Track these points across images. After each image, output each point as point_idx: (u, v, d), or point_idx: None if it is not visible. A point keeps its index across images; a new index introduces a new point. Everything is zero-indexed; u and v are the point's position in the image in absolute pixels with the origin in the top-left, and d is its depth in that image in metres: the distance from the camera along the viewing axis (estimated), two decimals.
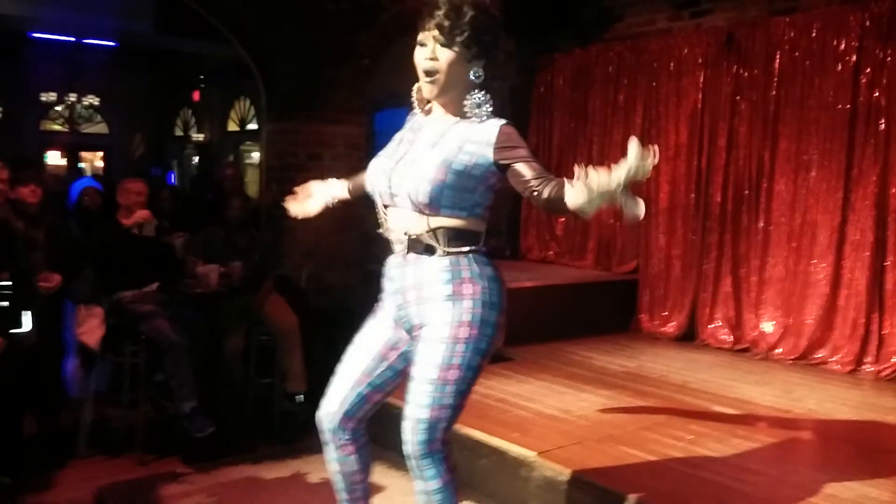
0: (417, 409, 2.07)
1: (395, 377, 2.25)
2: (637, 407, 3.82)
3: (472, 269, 2.10)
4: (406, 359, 2.20)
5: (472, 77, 2.08)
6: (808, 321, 4.83)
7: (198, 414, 3.91)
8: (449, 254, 2.08)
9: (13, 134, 13.90)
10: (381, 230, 2.22)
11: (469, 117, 2.10)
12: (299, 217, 2.55)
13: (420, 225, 2.09)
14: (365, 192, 2.30)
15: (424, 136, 2.15)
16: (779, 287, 5.02)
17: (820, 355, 4.78)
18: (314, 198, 2.51)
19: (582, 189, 1.76)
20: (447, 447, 2.13)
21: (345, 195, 2.49)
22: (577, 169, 1.77)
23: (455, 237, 2.09)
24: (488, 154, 2.04)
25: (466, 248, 2.09)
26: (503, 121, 2.10)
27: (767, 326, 5.07)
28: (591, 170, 1.75)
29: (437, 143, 2.09)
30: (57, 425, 3.99)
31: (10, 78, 13.58)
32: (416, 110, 2.25)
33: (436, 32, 2.04)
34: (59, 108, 15.24)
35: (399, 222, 2.13)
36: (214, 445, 3.88)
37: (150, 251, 4.24)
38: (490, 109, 2.09)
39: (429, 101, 2.19)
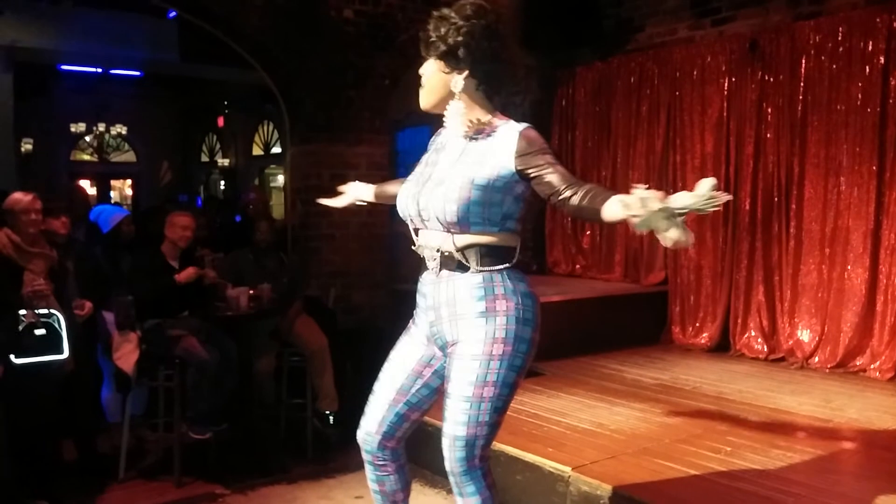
0: (455, 427, 2.05)
1: (432, 395, 2.23)
2: (672, 419, 3.76)
3: (506, 286, 2.07)
4: (441, 376, 2.18)
5: (452, 87, 2.09)
6: (844, 328, 4.74)
7: (203, 418, 3.92)
8: (482, 271, 2.07)
9: (44, 165, 14.20)
10: (414, 247, 2.22)
11: (455, 126, 2.12)
12: (329, 205, 2.70)
13: (451, 243, 2.09)
14: (390, 200, 2.39)
15: (447, 155, 2.16)
16: (813, 294, 4.94)
17: (858, 363, 4.69)
18: (347, 194, 2.67)
19: (633, 203, 1.72)
20: (486, 463, 2.11)
21: (370, 198, 2.62)
22: (635, 187, 1.74)
23: (487, 253, 2.08)
24: (509, 164, 2.02)
25: (500, 266, 2.08)
26: (522, 126, 2.08)
27: (803, 335, 4.98)
28: (650, 190, 1.72)
29: (457, 160, 2.09)
30: (95, 450, 4.04)
31: (40, 110, 13.89)
32: (441, 130, 2.26)
33: (423, 46, 2.11)
34: (88, 139, 15.55)
35: (431, 241, 2.13)
36: (249, 466, 3.89)
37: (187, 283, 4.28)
38: (468, 123, 2.09)
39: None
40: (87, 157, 16.11)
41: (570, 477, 3.01)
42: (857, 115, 4.72)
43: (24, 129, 13.25)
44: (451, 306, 2.10)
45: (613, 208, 1.82)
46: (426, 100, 2.16)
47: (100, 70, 13.33)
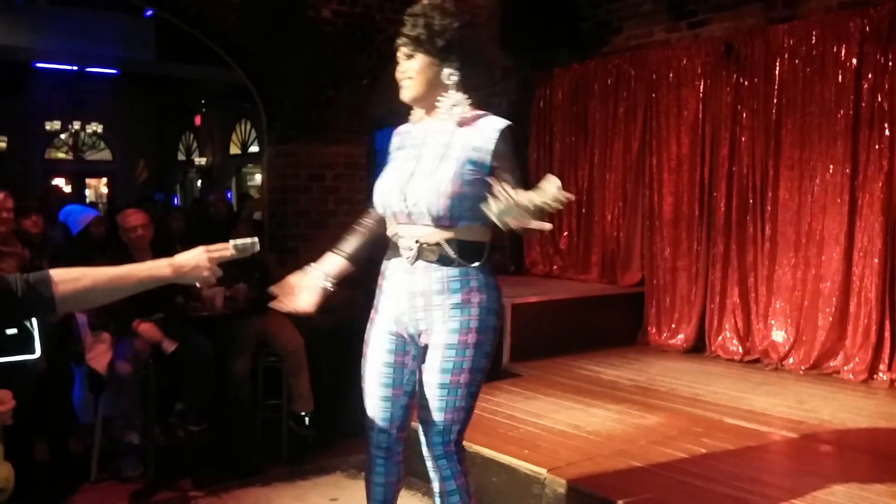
0: (434, 413, 2.16)
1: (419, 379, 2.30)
2: (648, 421, 3.78)
3: (479, 279, 2.16)
4: (418, 361, 2.25)
5: (446, 80, 2.13)
6: (818, 330, 4.79)
7: (131, 452, 3.90)
8: (461, 265, 2.13)
9: (19, 163, 14.00)
10: (390, 234, 2.24)
11: (445, 118, 2.15)
12: (299, 313, 2.31)
13: (435, 236, 2.12)
14: (368, 248, 2.31)
15: (430, 149, 2.17)
16: (788, 296, 4.98)
17: (832, 364, 4.73)
18: (304, 293, 2.29)
19: (500, 201, 1.81)
20: (462, 450, 2.22)
21: (343, 269, 2.30)
22: (495, 183, 1.84)
23: (467, 247, 2.14)
24: (487, 160, 2.10)
25: (477, 263, 2.14)
26: (503, 123, 2.14)
27: (777, 336, 5.02)
28: (509, 188, 1.82)
29: (444, 154, 2.13)
30: (68, 451, 3.99)
31: (15, 108, 13.71)
32: (403, 127, 2.31)
33: (401, 40, 2.14)
34: (63, 137, 15.35)
35: (412, 231, 2.16)
36: (223, 468, 3.86)
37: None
38: (465, 110, 2.14)
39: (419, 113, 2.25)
40: (62, 156, 15.91)
41: (545, 479, 3.01)
42: (831, 119, 4.77)
43: None
44: (427, 297, 2.15)
45: (490, 205, 1.86)
46: (416, 91, 2.17)
47: (75, 68, 13.18)
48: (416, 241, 2.14)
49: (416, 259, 2.15)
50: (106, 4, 10.50)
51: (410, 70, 2.15)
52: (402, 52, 2.15)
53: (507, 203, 1.79)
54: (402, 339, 2.26)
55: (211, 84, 12.80)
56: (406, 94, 2.19)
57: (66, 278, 1.67)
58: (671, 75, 5.65)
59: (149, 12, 9.68)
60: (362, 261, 2.33)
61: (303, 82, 5.33)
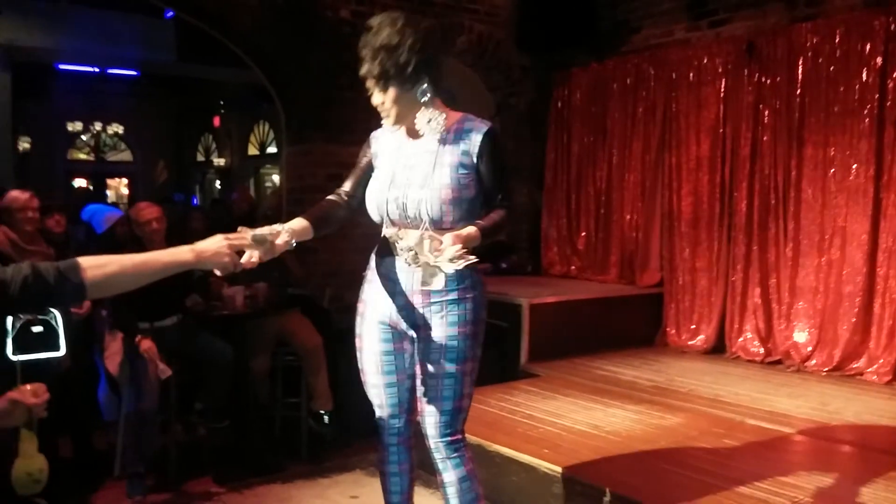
0: (441, 403, 2.27)
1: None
2: (667, 422, 3.76)
3: (471, 277, 2.28)
4: (414, 347, 2.35)
5: (420, 99, 2.21)
6: (842, 331, 4.73)
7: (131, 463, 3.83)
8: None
9: (42, 163, 14.18)
10: (388, 235, 2.32)
11: (424, 134, 2.24)
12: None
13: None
14: (326, 224, 2.33)
15: (423, 158, 2.24)
16: (810, 297, 4.93)
17: (856, 366, 4.68)
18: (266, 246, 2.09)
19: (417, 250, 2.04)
20: (465, 437, 2.35)
21: (305, 230, 2.22)
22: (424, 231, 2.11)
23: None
24: (475, 163, 2.23)
25: (473, 260, 2.14)
26: (486, 127, 2.24)
27: (800, 337, 4.97)
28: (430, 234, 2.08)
29: (436, 161, 2.21)
30: (92, 447, 4.03)
31: (38, 109, 13.87)
32: (379, 132, 2.40)
33: (371, 79, 2.21)
34: (84, 138, 15.52)
35: (409, 234, 2.22)
36: (244, 465, 3.88)
37: (165, 280, 4.13)
38: (441, 124, 2.22)
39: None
40: (83, 156, 16.09)
41: (565, 478, 3.00)
42: (855, 118, 4.72)
43: (22, 127, 13.23)
44: (426, 295, 2.25)
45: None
46: (399, 121, 2.26)
47: (97, 69, 13.32)
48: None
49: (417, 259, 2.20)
50: (127, 6, 10.59)
51: (388, 102, 2.22)
52: (374, 85, 2.22)
53: (421, 257, 2.03)
54: (398, 329, 2.35)
55: (229, 85, 12.88)
56: (389, 123, 2.28)
57: (94, 264, 1.71)
58: (691, 75, 5.61)
59: (169, 13, 9.75)
60: (321, 230, 2.29)
61: (321, 83, 5.35)
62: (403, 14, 2.21)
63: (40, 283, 1.64)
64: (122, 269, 1.74)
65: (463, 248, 2.01)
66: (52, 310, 3.43)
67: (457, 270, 2.12)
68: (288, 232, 2.14)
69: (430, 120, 2.23)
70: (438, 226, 2.18)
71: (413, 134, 2.29)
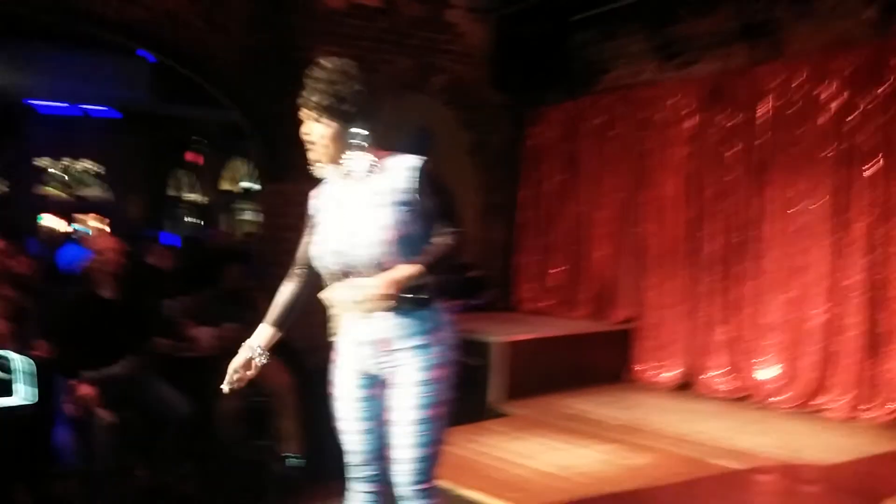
0: (411, 450, 2.20)
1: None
2: (634, 462, 3.77)
3: (436, 318, 2.23)
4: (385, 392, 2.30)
5: (351, 139, 2.21)
6: (804, 368, 4.80)
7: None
8: (415, 306, 2.17)
9: (12, 201, 14.02)
10: (325, 299, 2.26)
11: (355, 177, 2.23)
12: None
13: None
14: (293, 312, 2.43)
15: (354, 203, 2.21)
16: (774, 334, 4.99)
17: (819, 402, 4.73)
18: (241, 370, 2.43)
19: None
20: (435, 485, 2.27)
21: (272, 337, 2.46)
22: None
23: (415, 286, 2.14)
24: (414, 197, 2.17)
25: (426, 296, 2.17)
26: (417, 161, 2.20)
27: (764, 374, 5.02)
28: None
29: (369, 203, 2.18)
30: (50, 495, 3.92)
31: (10, 146, 13.76)
32: (317, 191, 2.39)
33: (308, 107, 2.22)
34: (55, 172, 15.40)
35: (332, 288, 2.21)
36: None
37: (118, 320, 3.94)
38: (370, 166, 2.21)
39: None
40: (55, 192, 15.94)
41: None
42: (815, 158, 4.83)
43: None
44: (388, 343, 2.21)
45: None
46: (329, 157, 2.25)
47: (70, 106, 13.27)
48: None
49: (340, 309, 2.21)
50: (102, 45, 10.58)
51: (317, 134, 2.22)
52: (308, 114, 2.23)
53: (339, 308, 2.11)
54: (369, 377, 2.32)
55: (204, 122, 12.88)
56: (314, 156, 2.27)
57: None
58: (659, 115, 5.72)
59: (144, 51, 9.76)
60: (289, 323, 2.43)
61: (297, 123, 5.36)
62: (355, 64, 2.26)
63: None
64: None
65: (393, 288, 2.03)
66: (6, 354, 3.39)
67: (418, 315, 2.13)
68: (263, 355, 2.38)
69: (360, 161, 2.21)
70: (383, 268, 2.12)
71: (346, 179, 2.26)
